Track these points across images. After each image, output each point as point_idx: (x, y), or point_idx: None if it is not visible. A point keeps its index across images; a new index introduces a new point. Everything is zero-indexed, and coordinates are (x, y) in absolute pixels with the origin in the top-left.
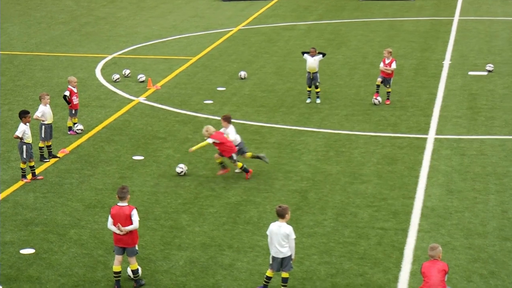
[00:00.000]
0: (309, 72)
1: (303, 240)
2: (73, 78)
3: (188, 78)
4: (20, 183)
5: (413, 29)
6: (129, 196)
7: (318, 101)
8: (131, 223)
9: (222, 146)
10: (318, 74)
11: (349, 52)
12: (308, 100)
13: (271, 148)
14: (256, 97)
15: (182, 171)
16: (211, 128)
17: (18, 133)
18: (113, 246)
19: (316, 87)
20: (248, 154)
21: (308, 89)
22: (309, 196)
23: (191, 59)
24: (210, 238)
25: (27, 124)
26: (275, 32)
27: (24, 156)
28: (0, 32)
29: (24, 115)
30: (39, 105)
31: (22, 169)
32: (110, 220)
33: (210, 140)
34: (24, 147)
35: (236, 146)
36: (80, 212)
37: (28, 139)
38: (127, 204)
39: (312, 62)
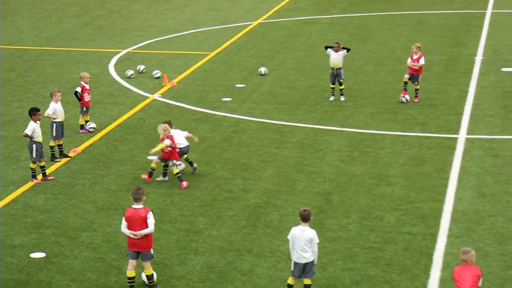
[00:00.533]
0: (332, 68)
1: (326, 245)
2: (85, 74)
3: (205, 74)
4: (30, 183)
5: (443, 23)
6: (144, 197)
7: (342, 98)
8: (147, 226)
9: (173, 150)
10: (342, 70)
11: (375, 47)
12: (332, 98)
13: (292, 148)
14: (276, 94)
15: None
16: (169, 128)
17: (28, 131)
18: (127, 250)
19: (340, 84)
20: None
21: (332, 86)
22: (332, 199)
23: (208, 54)
24: (229, 243)
25: (37, 122)
26: (296, 26)
27: (34, 156)
28: (9, 25)
29: (34, 112)
30: (50, 102)
31: (32, 169)
32: (124, 223)
33: (168, 142)
34: (34, 146)
35: (181, 148)
36: (93, 214)
37: (38, 137)
38: (142, 206)
39: (336, 57)
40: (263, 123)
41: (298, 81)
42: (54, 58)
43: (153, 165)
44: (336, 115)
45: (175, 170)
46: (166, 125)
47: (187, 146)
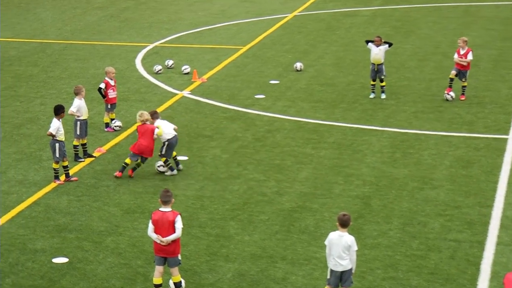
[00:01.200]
0: (373, 64)
1: (365, 252)
2: (110, 69)
3: (238, 69)
4: (53, 185)
5: (492, 15)
6: (173, 200)
7: (383, 96)
8: (174, 231)
9: (145, 141)
10: (383, 66)
11: (419, 41)
12: (372, 95)
13: (329, 148)
14: (313, 91)
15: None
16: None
17: (52, 130)
18: (153, 255)
19: (381, 81)
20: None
21: (372, 82)
22: (372, 203)
23: (241, 48)
24: (261, 249)
25: (61, 120)
26: (335, 19)
27: (57, 155)
28: (32, 17)
29: (61, 110)
30: (73, 99)
31: (54, 169)
32: (151, 226)
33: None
34: (57, 145)
35: (169, 139)
36: (118, 217)
37: (61, 136)
38: (170, 209)
39: (377, 52)
40: (298, 122)
41: (336, 78)
42: (79, 52)
43: (127, 160)
44: (376, 113)
45: (127, 161)
46: (142, 112)
47: (175, 136)
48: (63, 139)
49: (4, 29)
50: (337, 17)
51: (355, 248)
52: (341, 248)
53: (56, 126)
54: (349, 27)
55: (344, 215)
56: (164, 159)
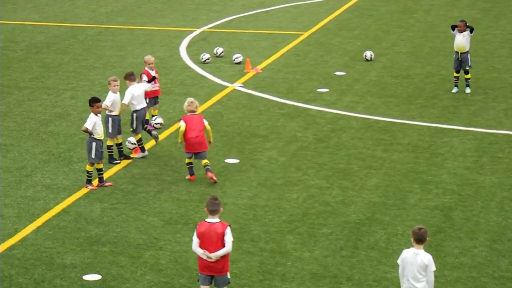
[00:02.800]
0: (457, 52)
1: (445, 273)
2: (150, 58)
3: (298, 59)
4: (85, 190)
5: None
6: (221, 209)
7: (468, 90)
8: (223, 245)
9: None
10: (469, 55)
11: (511, 26)
12: (455, 90)
13: (404, 151)
14: (385, 84)
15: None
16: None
17: (88, 124)
18: (198, 273)
19: (466, 72)
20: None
21: (456, 74)
22: (454, 215)
23: (301, 34)
24: (323, 267)
25: (99, 115)
26: (412, 0)
27: (93, 156)
28: None
29: (94, 103)
30: (108, 91)
31: (88, 172)
32: (195, 240)
33: (182, 124)
34: (94, 144)
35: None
36: (158, 229)
37: (99, 134)
38: (219, 220)
39: (461, 39)
40: (367, 120)
41: (412, 69)
42: (115, 38)
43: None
44: (459, 111)
45: (186, 160)
46: (190, 101)
47: (144, 109)
48: (102, 138)
49: (31, 11)
50: None
51: (433, 268)
52: (416, 268)
53: (92, 120)
54: (428, 9)
55: (419, 228)
56: (138, 136)
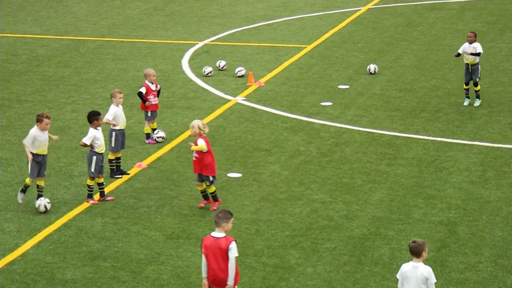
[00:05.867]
0: (467, 64)
1: None
2: (150, 71)
3: (301, 72)
4: (86, 205)
5: None
6: (227, 225)
7: (477, 103)
8: (226, 260)
9: (204, 157)
10: (479, 67)
11: None
12: (467, 102)
13: (408, 165)
14: (390, 98)
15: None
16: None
17: (86, 139)
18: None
19: (475, 84)
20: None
21: (466, 86)
22: (458, 230)
23: (305, 47)
24: (327, 283)
25: (98, 128)
26: (416, 13)
27: (93, 170)
28: (64, 11)
29: (94, 117)
30: (110, 105)
31: (89, 186)
32: (204, 261)
33: (202, 142)
34: (94, 158)
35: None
36: (160, 244)
37: (100, 148)
38: (224, 235)
39: (471, 51)
40: (371, 133)
41: (417, 82)
42: (117, 51)
43: (201, 187)
44: (464, 125)
45: (212, 189)
46: (203, 123)
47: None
48: (102, 152)
49: (32, 24)
50: (419, 10)
51: (434, 280)
52: (416, 282)
53: (92, 134)
54: (433, 22)
55: (414, 242)
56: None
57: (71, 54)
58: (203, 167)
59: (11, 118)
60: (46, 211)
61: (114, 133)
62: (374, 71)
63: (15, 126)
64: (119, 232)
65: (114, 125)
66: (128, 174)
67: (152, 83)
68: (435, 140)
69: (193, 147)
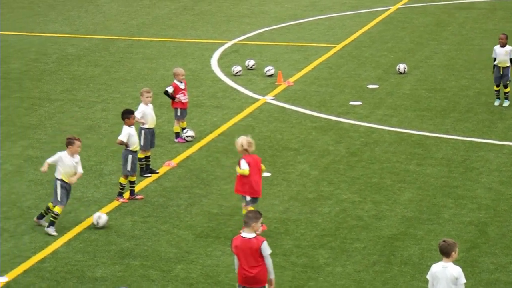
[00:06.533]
0: (498, 67)
1: None
2: (179, 70)
3: (330, 72)
4: (115, 203)
5: None
6: (258, 226)
7: (506, 103)
8: (258, 260)
9: (245, 179)
10: (510, 70)
11: None
12: (497, 102)
13: (438, 165)
14: (419, 97)
15: (98, 223)
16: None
17: (122, 137)
18: (229, 287)
19: (505, 86)
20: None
21: (496, 88)
22: (489, 231)
23: (334, 47)
24: (356, 282)
25: (132, 126)
26: (445, 12)
27: (129, 168)
28: (94, 10)
29: (126, 115)
30: (139, 104)
31: (121, 184)
32: (236, 261)
33: (245, 167)
34: (130, 156)
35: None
36: (189, 242)
37: (134, 146)
38: (254, 235)
39: (503, 53)
40: (400, 133)
41: (446, 82)
42: (146, 50)
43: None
44: (495, 125)
45: (245, 211)
46: (248, 140)
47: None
48: (137, 149)
49: (63, 24)
50: (449, 10)
51: (463, 280)
52: (446, 282)
53: (127, 132)
54: (463, 22)
55: (444, 241)
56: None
57: (101, 53)
58: (239, 186)
59: (41, 117)
60: (97, 225)
61: (143, 132)
62: (404, 70)
63: (45, 125)
64: (148, 231)
65: (143, 124)
66: (158, 173)
67: (181, 82)
68: (465, 140)
69: (237, 170)
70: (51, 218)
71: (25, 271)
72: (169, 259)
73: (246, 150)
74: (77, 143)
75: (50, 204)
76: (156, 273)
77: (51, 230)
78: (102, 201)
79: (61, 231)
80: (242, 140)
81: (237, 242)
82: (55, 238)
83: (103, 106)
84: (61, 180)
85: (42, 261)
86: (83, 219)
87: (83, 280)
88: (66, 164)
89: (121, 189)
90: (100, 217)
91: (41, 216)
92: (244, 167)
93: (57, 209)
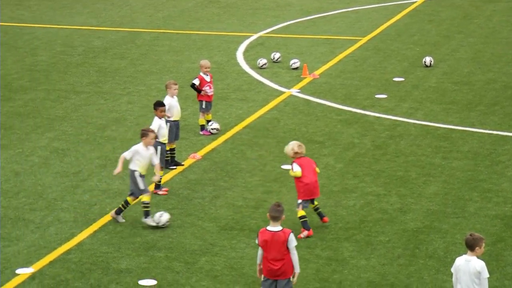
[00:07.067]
0: None
1: (505, 283)
2: (205, 62)
3: (356, 64)
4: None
5: None
6: (284, 216)
7: None
8: (285, 253)
9: (297, 182)
10: None
11: None
12: None
13: (464, 159)
14: (445, 90)
15: (159, 222)
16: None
17: (154, 127)
18: (253, 279)
19: None
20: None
21: None
22: None
23: (360, 39)
24: (380, 275)
25: (162, 119)
26: (473, 5)
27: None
28: (120, 3)
29: (159, 107)
30: (164, 96)
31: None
32: (260, 252)
33: (297, 169)
34: (159, 148)
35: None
36: (214, 235)
37: (164, 138)
38: (281, 228)
39: None
40: (426, 126)
41: (473, 75)
42: (172, 43)
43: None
44: None
45: (300, 213)
46: (298, 144)
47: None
48: (166, 142)
49: (89, 16)
50: (476, 3)
51: (486, 275)
52: (469, 276)
53: (157, 123)
54: (490, 15)
55: (471, 235)
56: (302, 213)
57: (127, 46)
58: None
59: (67, 109)
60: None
61: (168, 124)
62: (430, 63)
63: (71, 117)
64: (173, 223)
65: (169, 116)
66: (183, 165)
67: (207, 75)
68: (491, 134)
69: (291, 173)
70: (144, 209)
71: (51, 262)
72: (194, 251)
73: (297, 153)
74: (151, 134)
75: (129, 198)
76: (181, 265)
77: (149, 221)
78: (127, 193)
79: (87, 223)
80: (293, 145)
81: (265, 236)
82: (80, 229)
83: (129, 99)
84: (138, 171)
85: (68, 252)
86: (109, 211)
87: (108, 272)
88: (143, 156)
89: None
90: (163, 215)
91: (119, 211)
92: (296, 169)
93: (146, 198)
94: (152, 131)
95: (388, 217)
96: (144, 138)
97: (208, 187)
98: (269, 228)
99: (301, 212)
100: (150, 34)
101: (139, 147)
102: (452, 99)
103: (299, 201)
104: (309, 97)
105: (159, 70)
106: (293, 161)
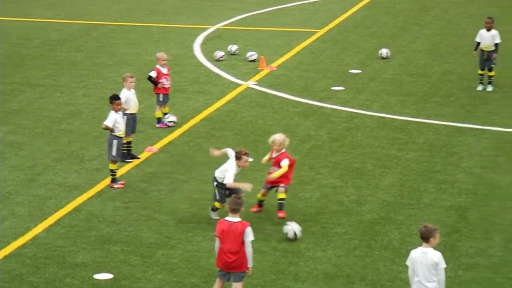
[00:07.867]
0: (482, 51)
1: (459, 273)
2: (162, 55)
3: (313, 57)
4: (96, 189)
5: None
6: (243, 209)
7: (490, 88)
8: (241, 244)
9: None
10: (495, 53)
11: None
12: (480, 87)
13: (419, 150)
14: (402, 82)
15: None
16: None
17: (108, 122)
18: (210, 272)
19: (490, 70)
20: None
21: (480, 72)
22: (469, 215)
23: (317, 32)
24: (336, 267)
25: (119, 112)
26: None
27: (114, 154)
28: None
29: (114, 100)
30: (121, 89)
31: (111, 170)
32: (218, 243)
33: (286, 162)
34: (115, 141)
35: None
36: (170, 228)
37: (120, 131)
38: (240, 219)
39: (488, 37)
40: (382, 118)
41: (429, 67)
42: (129, 35)
43: (260, 196)
44: (476, 109)
45: (281, 195)
46: (283, 137)
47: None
48: (123, 135)
49: (45, 9)
50: None
51: (443, 265)
52: (426, 267)
53: (113, 118)
54: (446, 7)
55: (424, 226)
56: (283, 195)
57: (84, 39)
58: (281, 178)
59: (22, 102)
60: (295, 238)
61: (125, 117)
62: (386, 55)
63: (26, 111)
64: (129, 217)
65: (125, 109)
66: (139, 158)
67: (164, 67)
68: (447, 125)
69: (274, 174)
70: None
71: (5, 257)
72: (150, 244)
73: (283, 146)
74: (244, 157)
75: (217, 204)
76: (137, 259)
77: (214, 215)
78: (83, 187)
79: (42, 217)
80: (284, 137)
81: (222, 226)
82: (36, 223)
83: (85, 92)
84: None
85: (23, 247)
86: (64, 205)
87: (63, 266)
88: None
89: (112, 175)
90: (295, 229)
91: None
92: (284, 164)
93: (217, 204)
94: (247, 153)
95: (344, 209)
96: (237, 161)
97: (165, 180)
98: (227, 218)
99: (282, 195)
100: (107, 26)
101: (231, 167)
102: (409, 91)
103: (286, 186)
104: (266, 90)
105: (115, 63)
106: (285, 155)
